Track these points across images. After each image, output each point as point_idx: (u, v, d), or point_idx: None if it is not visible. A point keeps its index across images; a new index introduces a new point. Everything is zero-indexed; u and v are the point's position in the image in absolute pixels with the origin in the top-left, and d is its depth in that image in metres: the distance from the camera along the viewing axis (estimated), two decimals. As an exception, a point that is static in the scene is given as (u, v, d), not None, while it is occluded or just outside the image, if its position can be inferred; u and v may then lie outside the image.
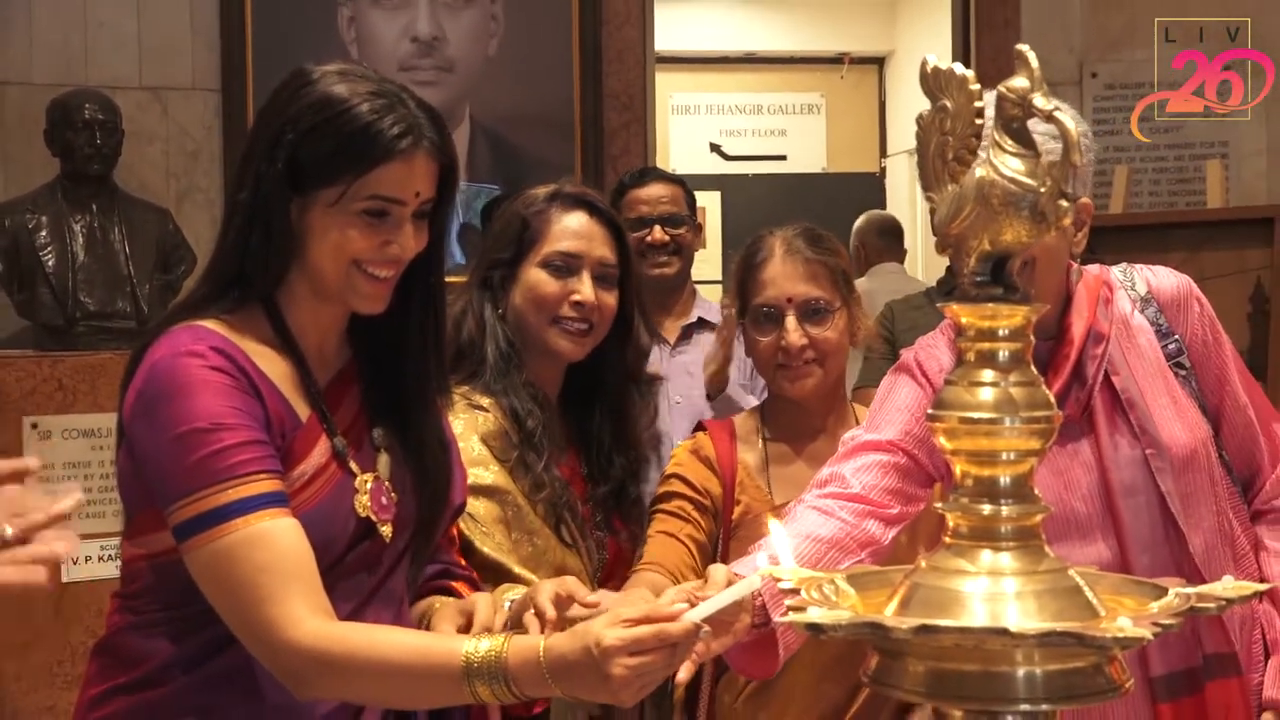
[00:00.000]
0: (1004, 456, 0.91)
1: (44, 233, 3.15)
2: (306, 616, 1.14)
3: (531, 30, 3.81)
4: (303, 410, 1.25)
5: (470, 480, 1.49)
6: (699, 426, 1.86)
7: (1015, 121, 0.92)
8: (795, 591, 0.96)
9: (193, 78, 3.67)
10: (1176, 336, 1.50)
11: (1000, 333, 0.93)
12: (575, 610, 1.25)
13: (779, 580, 0.99)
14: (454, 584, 1.41)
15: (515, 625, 1.27)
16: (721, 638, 1.25)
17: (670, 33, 5.23)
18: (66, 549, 0.92)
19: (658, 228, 2.54)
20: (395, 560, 1.31)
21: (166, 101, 3.65)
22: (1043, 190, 0.91)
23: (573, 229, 1.67)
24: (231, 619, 1.18)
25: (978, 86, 0.92)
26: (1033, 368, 0.93)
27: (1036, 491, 0.93)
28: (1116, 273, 1.54)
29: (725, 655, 1.31)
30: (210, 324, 1.24)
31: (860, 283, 1.87)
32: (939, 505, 0.95)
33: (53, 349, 3.07)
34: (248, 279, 1.26)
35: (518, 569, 1.52)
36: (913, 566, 0.95)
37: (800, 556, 1.32)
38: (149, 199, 3.41)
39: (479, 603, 1.30)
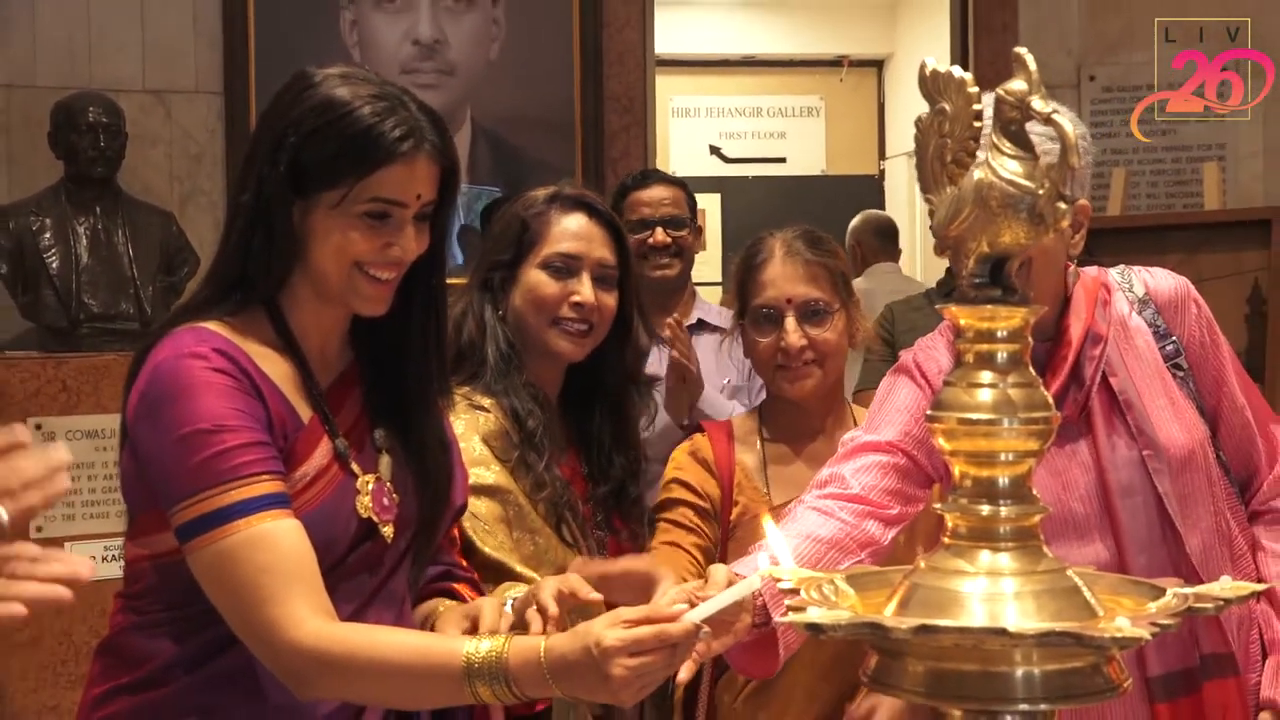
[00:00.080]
0: (1002, 457, 0.92)
1: (48, 235, 3.15)
2: (308, 617, 1.15)
3: (532, 33, 3.81)
4: (305, 412, 1.26)
5: (472, 480, 1.50)
6: (698, 428, 1.87)
7: (1013, 124, 0.93)
8: (795, 591, 0.96)
9: (196, 81, 3.67)
10: (1174, 338, 1.51)
11: (999, 334, 0.93)
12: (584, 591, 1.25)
13: (779, 580, 1.00)
14: (456, 585, 1.41)
15: (519, 623, 1.27)
16: (722, 637, 1.25)
17: (670, 36, 5.24)
18: (90, 570, 0.94)
19: (660, 229, 2.55)
20: (397, 561, 1.31)
21: (170, 104, 3.66)
22: (1041, 192, 0.91)
23: (572, 230, 1.67)
24: (233, 619, 1.18)
25: (976, 89, 0.92)
26: (1031, 369, 0.94)
27: (1035, 492, 0.93)
28: (1114, 274, 1.55)
29: (726, 655, 1.31)
30: (213, 326, 1.24)
31: (857, 283, 1.88)
32: (938, 506, 0.95)
33: (57, 351, 3.08)
34: (250, 281, 1.26)
35: (519, 568, 1.53)
36: (912, 567, 0.95)
37: (800, 557, 1.33)
38: (152, 201, 3.42)
39: (484, 607, 1.30)
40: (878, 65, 6.91)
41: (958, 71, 0.93)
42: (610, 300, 1.67)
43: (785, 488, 1.73)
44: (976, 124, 0.92)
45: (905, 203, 6.32)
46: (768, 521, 1.10)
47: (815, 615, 0.87)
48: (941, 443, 0.94)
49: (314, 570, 1.18)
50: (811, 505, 1.45)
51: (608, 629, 1.10)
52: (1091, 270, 1.53)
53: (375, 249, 1.25)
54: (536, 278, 1.66)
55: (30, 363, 2.96)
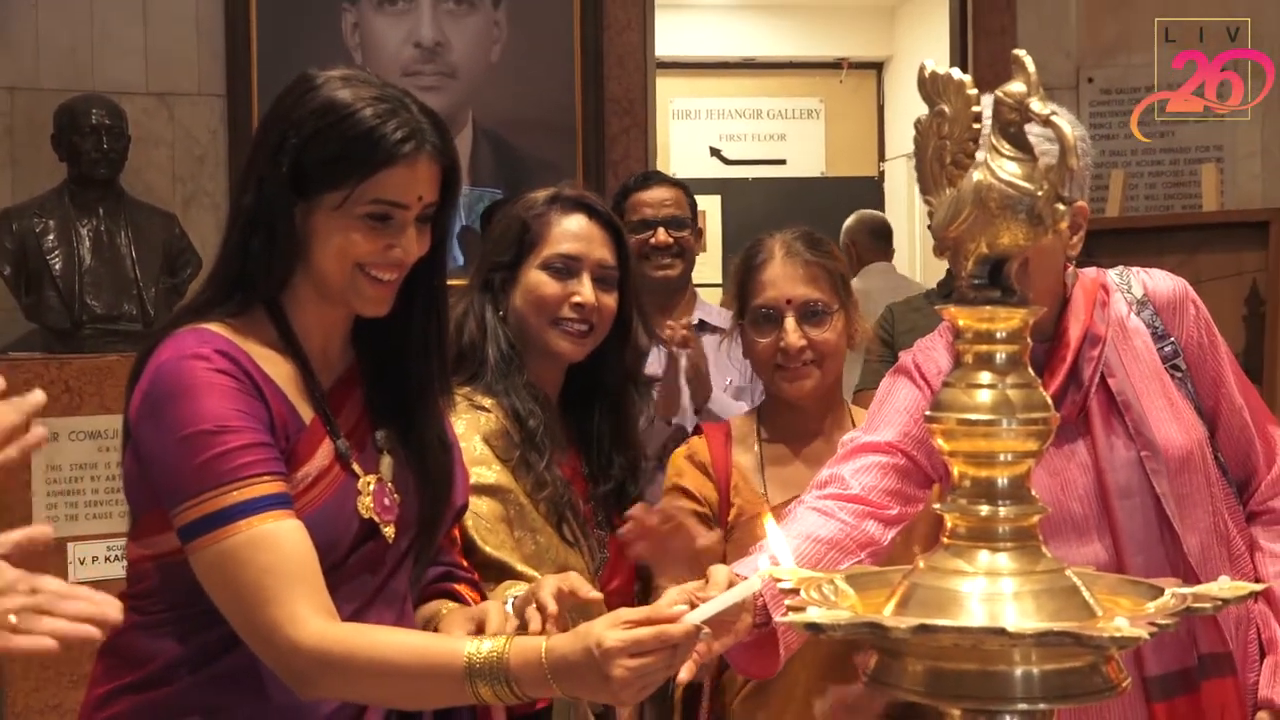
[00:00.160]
0: (1001, 458, 0.92)
1: (51, 236, 3.16)
2: (310, 617, 1.15)
3: (533, 36, 3.82)
4: (306, 413, 1.26)
5: (473, 479, 1.50)
6: (696, 430, 1.87)
7: (1012, 126, 0.93)
8: (795, 592, 0.96)
9: (198, 83, 3.68)
10: (1172, 339, 1.51)
11: (998, 335, 0.93)
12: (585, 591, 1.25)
13: (779, 581, 1.00)
14: (457, 586, 1.41)
15: (520, 620, 1.28)
16: (723, 638, 1.25)
17: (670, 38, 5.24)
18: (119, 614, 0.96)
19: (661, 230, 2.56)
20: (398, 561, 1.31)
21: (172, 106, 3.67)
22: (1040, 194, 0.92)
23: (572, 231, 1.68)
24: (236, 620, 1.18)
25: (975, 91, 0.92)
26: (1030, 370, 0.94)
27: (1033, 492, 0.94)
28: (1113, 275, 1.55)
29: (726, 655, 1.31)
30: (215, 327, 1.24)
31: (853, 283, 1.88)
32: (937, 506, 0.96)
33: (60, 352, 3.09)
34: (252, 282, 1.27)
35: (520, 566, 1.53)
36: (911, 567, 0.95)
37: (800, 557, 1.33)
38: (155, 203, 3.43)
39: (490, 611, 1.30)
40: (877, 67, 6.91)
41: (957, 73, 0.93)
42: (610, 301, 1.68)
43: (783, 488, 1.73)
44: (975, 126, 0.93)
45: (905, 204, 6.32)
46: (769, 521, 1.10)
47: (815, 615, 0.88)
48: (940, 443, 0.94)
49: (316, 570, 1.18)
50: (811, 506, 1.45)
51: (609, 630, 1.11)
52: (1090, 271, 1.54)
53: (377, 250, 1.26)
54: (537, 278, 1.67)
55: (34, 364, 2.97)
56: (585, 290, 1.65)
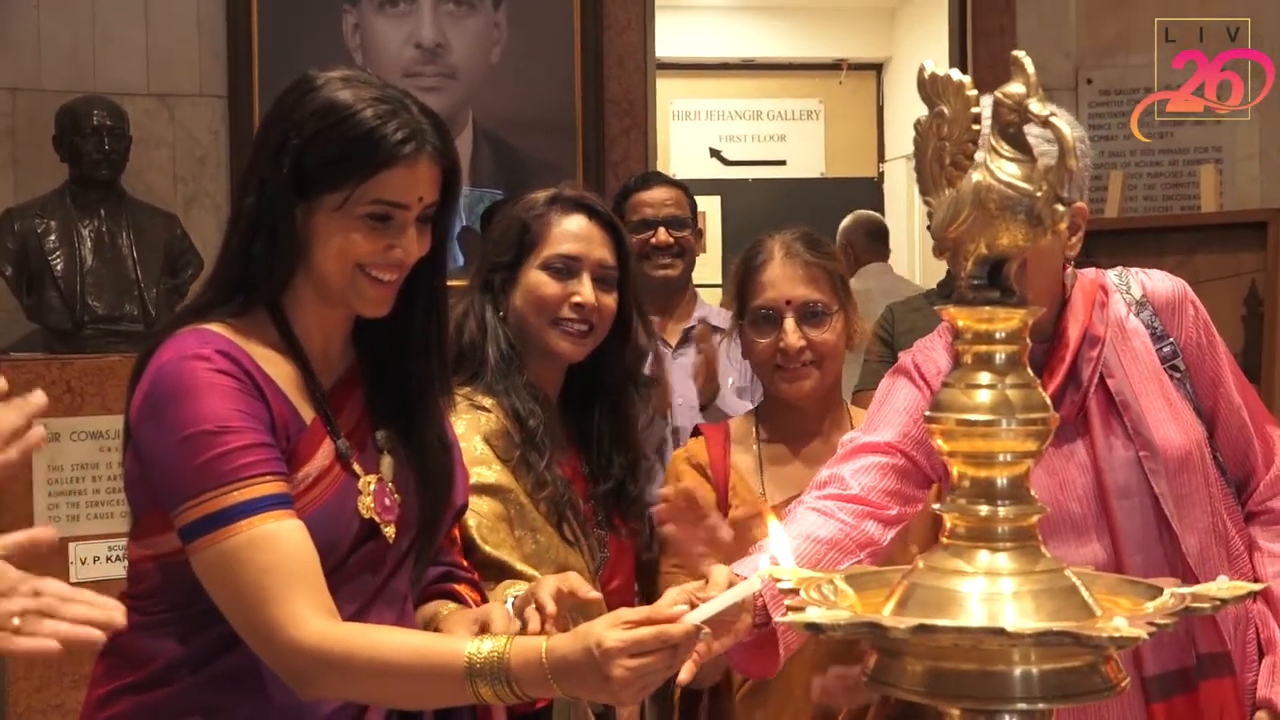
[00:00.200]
0: (1001, 458, 0.92)
1: (53, 237, 3.16)
2: (310, 617, 1.15)
3: (533, 37, 3.82)
4: (307, 413, 1.26)
5: (473, 479, 1.51)
6: (695, 431, 1.88)
7: (1011, 126, 0.93)
8: (795, 592, 0.96)
9: (199, 84, 3.68)
10: (1171, 339, 1.51)
11: (997, 335, 0.93)
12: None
13: (779, 581, 1.00)
14: (457, 586, 1.41)
15: (519, 620, 1.28)
16: (723, 638, 1.26)
17: (670, 39, 5.25)
18: (123, 618, 0.97)
19: (662, 230, 2.57)
20: (399, 561, 1.32)
21: (174, 107, 3.67)
22: (1039, 194, 0.92)
23: (572, 232, 1.68)
24: (236, 620, 1.19)
25: (974, 92, 0.93)
26: (1029, 370, 0.94)
27: (1033, 492, 0.94)
28: (1112, 276, 1.55)
29: (726, 655, 1.32)
30: (216, 328, 1.25)
31: (851, 283, 1.88)
32: (936, 506, 0.96)
33: (61, 352, 3.09)
34: (253, 283, 1.27)
35: (520, 566, 1.54)
36: (910, 567, 0.95)
37: (800, 557, 1.33)
38: (156, 204, 3.43)
39: (493, 613, 1.30)
40: (877, 68, 6.91)
41: (956, 74, 0.94)
42: (610, 301, 1.68)
43: (782, 488, 1.74)
44: (975, 127, 0.93)
45: (904, 205, 6.32)
46: (772, 520, 1.11)
47: (815, 615, 0.88)
48: (940, 443, 0.94)
49: (316, 570, 1.18)
50: (811, 506, 1.45)
51: (609, 630, 1.11)
52: (1089, 272, 1.54)
53: (377, 251, 1.26)
54: (537, 278, 1.67)
55: (35, 364, 2.97)
56: (585, 290, 1.65)
